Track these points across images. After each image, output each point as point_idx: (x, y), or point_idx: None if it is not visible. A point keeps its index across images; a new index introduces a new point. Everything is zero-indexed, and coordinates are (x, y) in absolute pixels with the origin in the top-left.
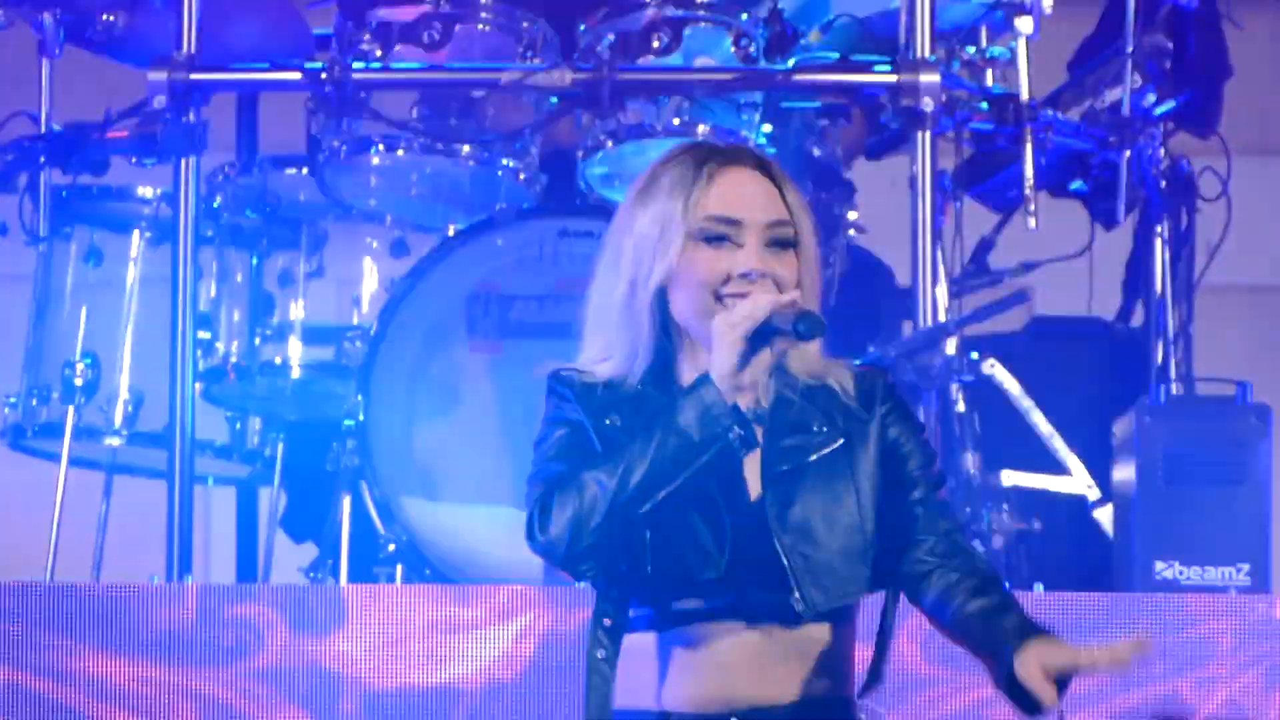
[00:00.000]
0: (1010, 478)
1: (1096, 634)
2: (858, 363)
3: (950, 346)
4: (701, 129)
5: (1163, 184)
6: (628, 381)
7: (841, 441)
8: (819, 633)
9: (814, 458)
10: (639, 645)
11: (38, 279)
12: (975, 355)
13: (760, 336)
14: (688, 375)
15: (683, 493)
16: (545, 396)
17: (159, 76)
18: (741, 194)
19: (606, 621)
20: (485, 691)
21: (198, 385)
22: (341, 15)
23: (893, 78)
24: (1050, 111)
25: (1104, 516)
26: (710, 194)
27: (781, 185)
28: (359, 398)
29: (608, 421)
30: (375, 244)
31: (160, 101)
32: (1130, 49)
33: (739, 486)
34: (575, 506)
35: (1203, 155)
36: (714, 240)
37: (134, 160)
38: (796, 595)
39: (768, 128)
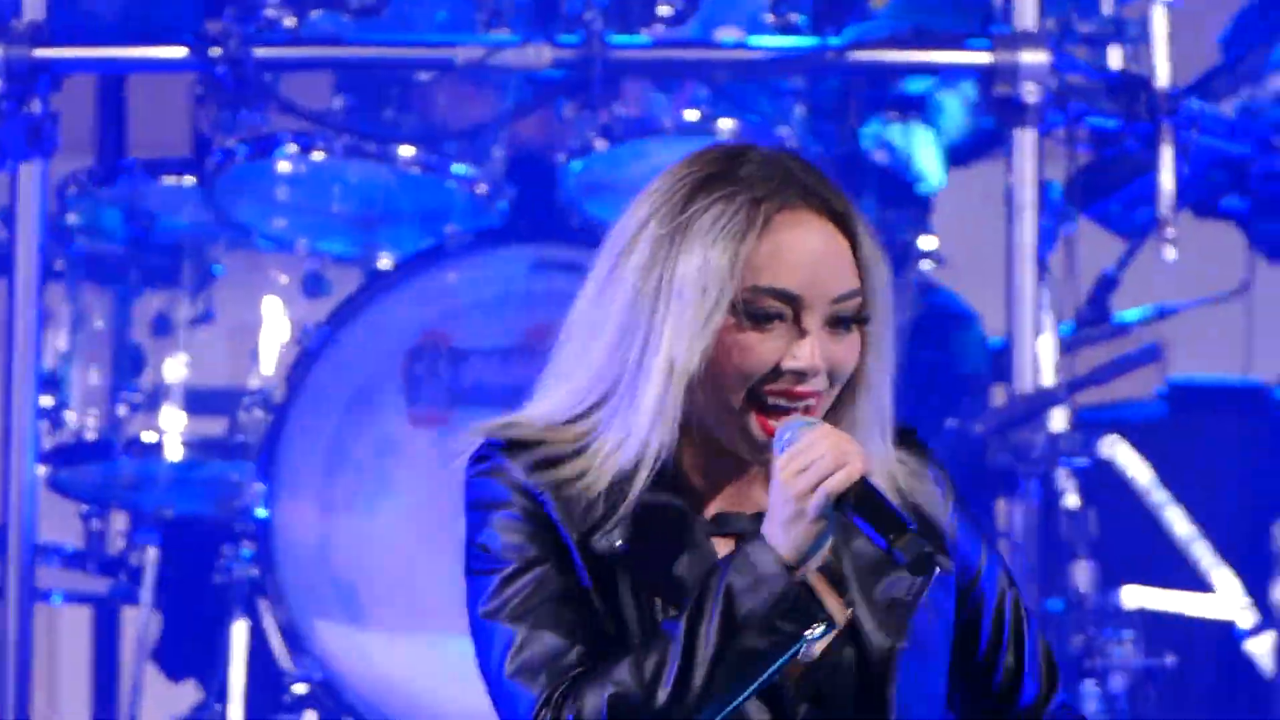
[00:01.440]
0: (1136, 596)
1: None
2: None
3: (1058, 420)
4: (725, 125)
5: None
6: (627, 480)
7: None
8: None
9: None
10: None
11: None
12: (1091, 432)
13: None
14: (694, 479)
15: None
16: (472, 483)
17: None
18: (807, 255)
19: None
20: None
21: (40, 469)
22: None
23: (986, 57)
24: (1196, 103)
25: (1261, 648)
26: (763, 252)
27: (857, 238)
28: (259, 487)
29: (602, 544)
30: (283, 279)
31: None
32: None
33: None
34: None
35: None
36: (765, 319)
37: None
38: None
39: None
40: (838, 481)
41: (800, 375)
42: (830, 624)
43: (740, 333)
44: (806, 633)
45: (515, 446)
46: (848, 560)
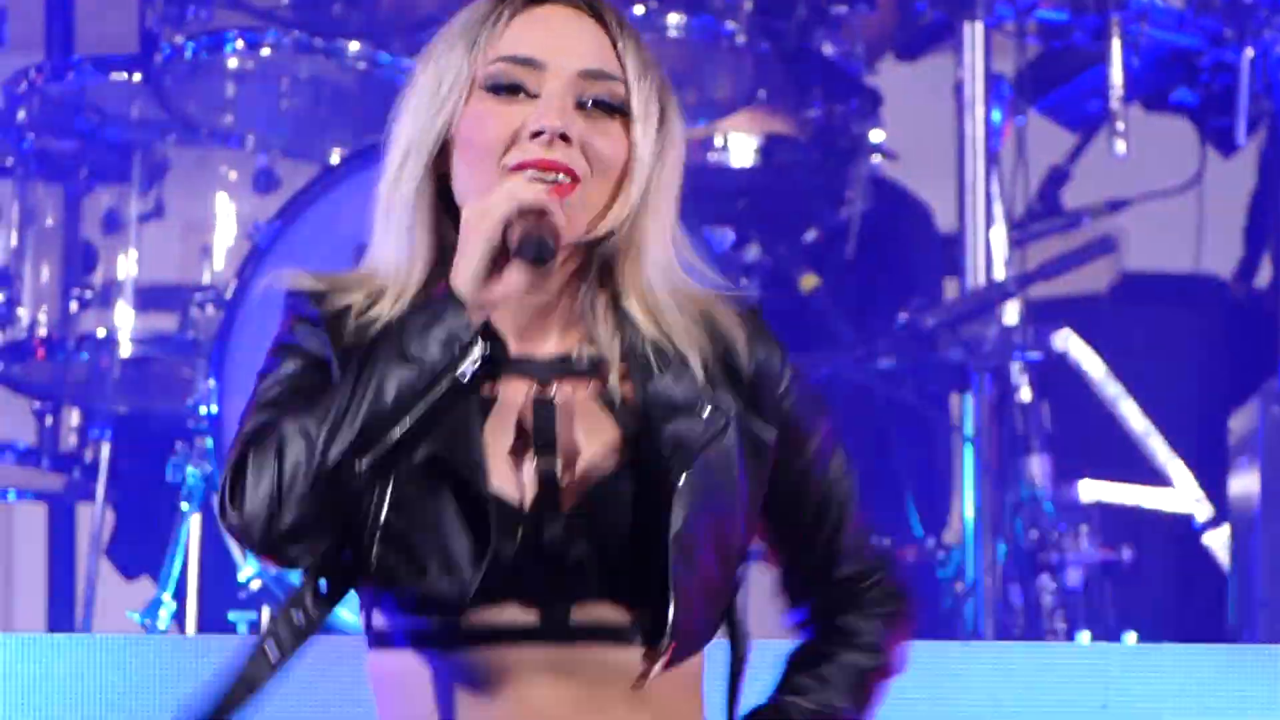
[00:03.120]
0: (1092, 490)
1: (1208, 698)
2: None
3: (1010, 313)
4: (673, 20)
5: None
6: (392, 302)
7: (725, 423)
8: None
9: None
10: (399, 666)
11: None
12: (1044, 325)
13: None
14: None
15: (434, 451)
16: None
17: None
18: (549, 32)
19: (306, 612)
20: None
21: None
22: None
23: None
24: None
25: (1217, 541)
26: (506, 33)
27: (615, 32)
28: (211, 383)
29: (353, 358)
30: (233, 175)
31: None
32: None
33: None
34: (274, 469)
35: None
36: (505, 90)
37: None
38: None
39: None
40: (505, 191)
41: (542, 138)
42: (488, 355)
43: (482, 105)
44: (463, 363)
45: (307, 289)
46: (641, 396)
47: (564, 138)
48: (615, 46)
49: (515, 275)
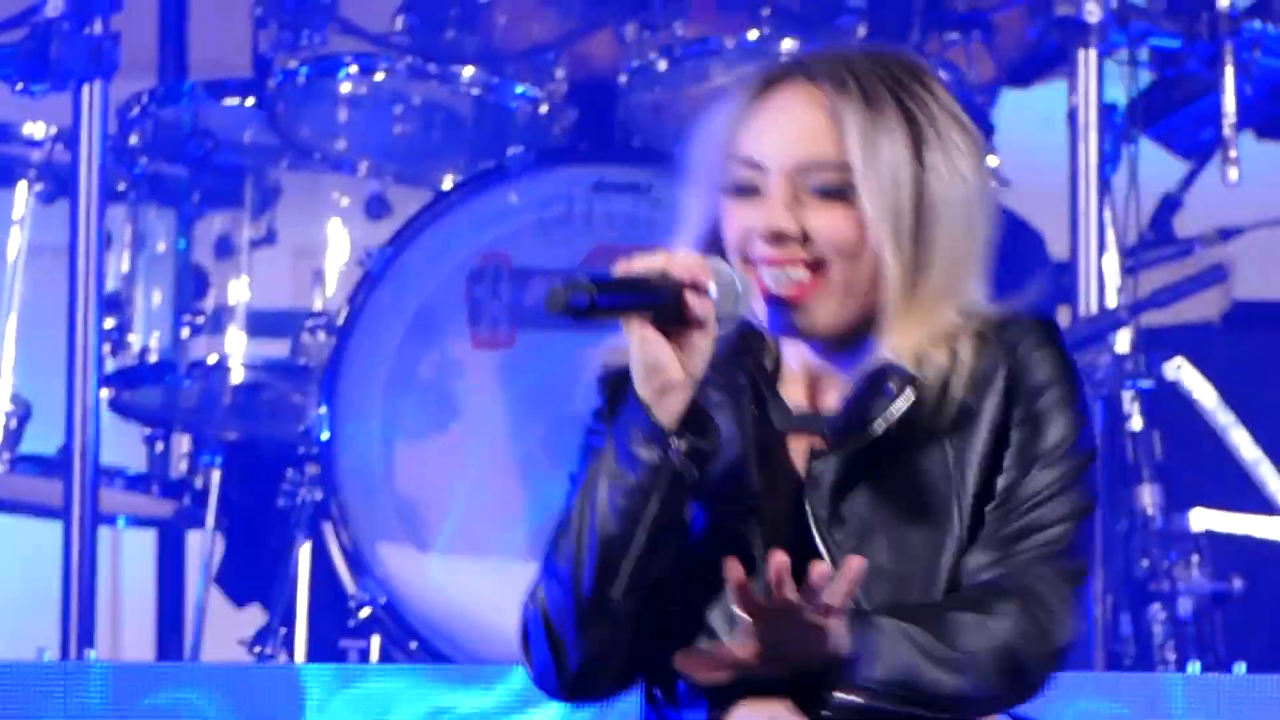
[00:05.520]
0: (1203, 520)
1: None
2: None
3: (1122, 341)
4: (787, 46)
5: None
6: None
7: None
8: None
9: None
10: None
11: None
12: (1156, 353)
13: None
14: (788, 359)
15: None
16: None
17: None
18: (774, 124)
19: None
20: None
21: (103, 392)
22: None
23: None
24: (1258, 23)
25: None
26: (741, 132)
27: (837, 107)
28: (322, 409)
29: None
30: (345, 201)
31: (55, 7)
32: None
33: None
34: (543, 620)
35: None
36: (742, 193)
37: (18, 87)
38: None
39: (868, 39)
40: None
41: (771, 239)
42: (701, 438)
43: (727, 207)
44: (673, 454)
45: (613, 365)
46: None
47: (781, 236)
48: (837, 121)
49: (697, 348)
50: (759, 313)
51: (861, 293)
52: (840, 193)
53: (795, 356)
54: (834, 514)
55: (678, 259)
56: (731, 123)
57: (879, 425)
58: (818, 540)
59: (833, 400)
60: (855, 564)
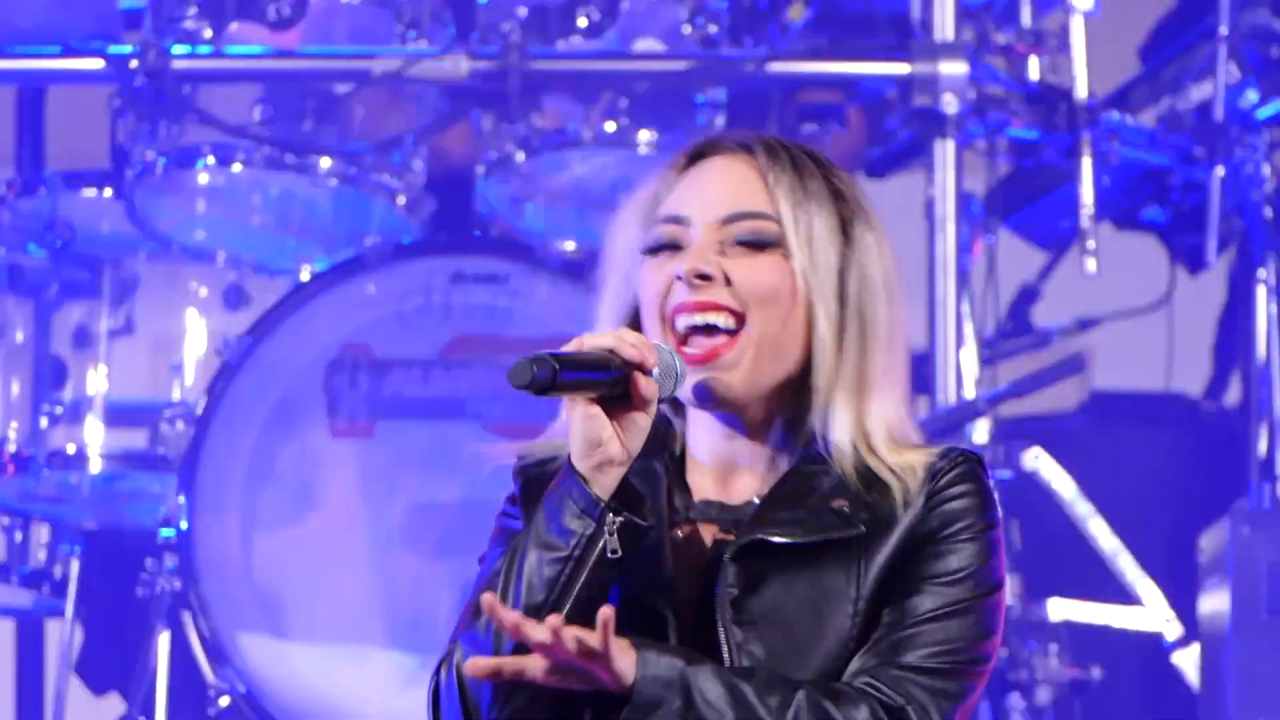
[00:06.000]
0: (1061, 609)
1: None
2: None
3: (980, 432)
4: (644, 137)
5: (1268, 212)
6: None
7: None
8: None
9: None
10: None
11: None
12: (1014, 444)
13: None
14: (694, 448)
15: (627, 597)
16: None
17: None
18: (699, 185)
19: None
20: None
21: None
22: None
23: (904, 68)
24: (1116, 114)
25: (1187, 661)
26: (673, 192)
27: (766, 168)
28: (181, 499)
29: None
30: (203, 292)
31: None
32: (1225, 30)
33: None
34: (458, 688)
35: None
36: (661, 250)
37: None
38: None
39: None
40: (580, 341)
41: (691, 279)
42: (625, 523)
43: (646, 268)
44: (609, 519)
45: (528, 453)
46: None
47: (704, 277)
48: (766, 182)
49: (635, 426)
50: (686, 388)
51: (782, 356)
52: (766, 244)
53: (707, 444)
54: (737, 603)
55: (627, 339)
56: (655, 193)
57: (795, 533)
58: (719, 628)
59: (741, 489)
60: (605, 613)
